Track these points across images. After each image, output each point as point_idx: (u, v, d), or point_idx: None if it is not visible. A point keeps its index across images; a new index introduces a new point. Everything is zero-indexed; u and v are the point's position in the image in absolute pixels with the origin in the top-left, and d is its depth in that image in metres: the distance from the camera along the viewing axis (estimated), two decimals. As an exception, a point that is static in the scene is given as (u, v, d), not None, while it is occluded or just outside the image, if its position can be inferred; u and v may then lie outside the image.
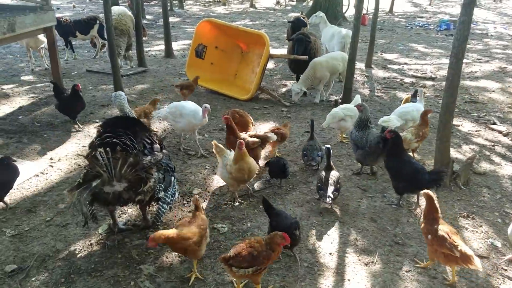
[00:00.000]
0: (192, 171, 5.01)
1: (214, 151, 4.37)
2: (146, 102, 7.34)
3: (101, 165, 3.16)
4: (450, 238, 3.02)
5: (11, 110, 6.79)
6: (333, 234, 3.86)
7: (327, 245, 3.69)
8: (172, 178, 3.77)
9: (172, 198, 3.68)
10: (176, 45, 11.82)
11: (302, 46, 7.79)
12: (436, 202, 3.31)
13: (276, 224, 3.34)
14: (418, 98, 6.14)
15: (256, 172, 4.36)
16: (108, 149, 3.18)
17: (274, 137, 4.89)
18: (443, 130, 4.64)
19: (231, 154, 4.27)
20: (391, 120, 5.42)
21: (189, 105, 5.47)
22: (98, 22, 10.11)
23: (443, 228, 3.10)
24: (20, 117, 6.54)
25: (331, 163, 4.33)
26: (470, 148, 5.89)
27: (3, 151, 5.42)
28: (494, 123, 6.82)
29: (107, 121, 3.69)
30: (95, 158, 3.16)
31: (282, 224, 3.33)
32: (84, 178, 3.25)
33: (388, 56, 11.70)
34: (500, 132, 6.50)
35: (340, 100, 7.53)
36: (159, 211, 3.59)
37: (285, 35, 11.45)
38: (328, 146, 4.45)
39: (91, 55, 10.89)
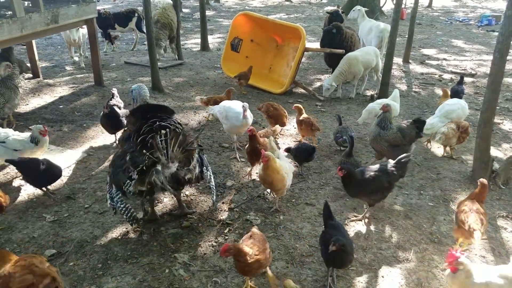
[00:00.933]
0: (226, 164, 5.10)
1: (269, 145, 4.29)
2: (183, 94, 7.58)
3: (160, 150, 3.30)
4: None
5: (52, 100, 7.07)
6: (367, 230, 3.84)
7: (361, 241, 3.68)
8: (205, 157, 3.96)
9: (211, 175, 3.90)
10: (211, 39, 11.95)
11: (327, 38, 7.78)
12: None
13: (329, 238, 2.95)
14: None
15: (284, 185, 3.97)
16: (165, 131, 3.34)
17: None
18: (484, 127, 4.48)
19: (278, 157, 4.10)
20: (435, 126, 5.25)
21: (234, 107, 5.24)
22: (136, 15, 10.34)
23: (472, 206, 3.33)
24: (61, 106, 6.81)
25: (352, 151, 4.51)
26: (510, 147, 5.66)
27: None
28: (539, 123, 6.50)
29: (138, 108, 3.87)
30: (155, 143, 3.27)
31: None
32: (146, 165, 3.28)
33: (427, 51, 11.34)
34: (544, 132, 6.20)
35: (376, 95, 7.40)
36: (207, 177, 3.83)
37: (321, 28, 11.32)
38: (353, 134, 4.68)
39: (129, 47, 11.18)
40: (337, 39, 7.82)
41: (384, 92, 7.23)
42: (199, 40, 11.14)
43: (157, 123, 3.42)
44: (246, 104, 5.10)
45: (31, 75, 7.88)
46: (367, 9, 9.93)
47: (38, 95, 7.26)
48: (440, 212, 4.12)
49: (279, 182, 3.89)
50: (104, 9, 11.04)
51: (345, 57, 7.32)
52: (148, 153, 3.26)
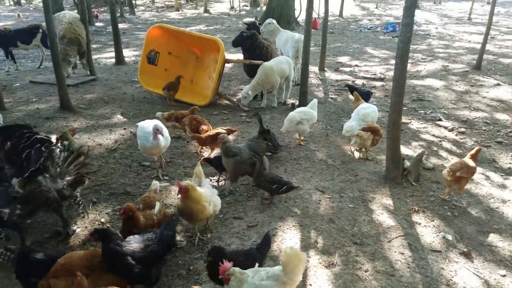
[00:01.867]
0: (147, 184, 4.82)
1: (195, 170, 3.93)
2: (97, 112, 7.09)
3: (53, 160, 3.46)
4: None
5: None
6: (294, 238, 3.86)
7: (289, 250, 3.68)
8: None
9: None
10: (127, 52, 11.47)
11: (239, 40, 8.25)
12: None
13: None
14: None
15: (206, 215, 3.73)
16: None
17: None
18: (392, 128, 4.80)
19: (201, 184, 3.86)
20: (354, 129, 5.57)
21: (145, 126, 4.87)
22: (41, 30, 9.59)
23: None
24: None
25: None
26: (419, 145, 6.16)
27: None
28: (440, 120, 7.18)
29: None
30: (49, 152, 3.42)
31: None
32: None
33: (340, 59, 12.03)
34: (445, 127, 6.85)
35: (296, 104, 7.62)
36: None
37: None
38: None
39: (35, 65, 10.29)
40: (248, 43, 8.01)
41: (303, 100, 7.47)
42: (113, 54, 10.61)
43: (37, 136, 3.42)
44: (158, 126, 4.66)
45: None
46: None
47: None
48: (360, 212, 4.30)
49: (200, 213, 3.57)
50: (4, 26, 10.09)
51: (261, 67, 7.45)
52: (45, 151, 3.28)
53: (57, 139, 3.74)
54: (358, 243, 3.78)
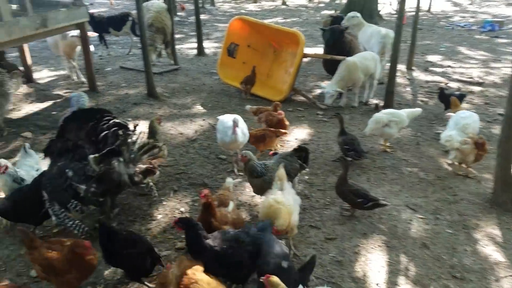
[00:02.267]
0: (223, 177, 4.71)
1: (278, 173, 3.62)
2: (179, 101, 7.21)
3: (128, 145, 3.63)
4: None
5: (45, 106, 6.75)
6: (380, 260, 3.47)
7: (374, 274, 3.32)
8: None
9: None
10: (207, 43, 11.59)
11: (334, 36, 7.44)
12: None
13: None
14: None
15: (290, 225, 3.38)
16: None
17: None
18: (505, 144, 4.13)
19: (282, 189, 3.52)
20: (453, 139, 4.86)
21: (225, 120, 4.82)
22: (131, 18, 9.99)
23: None
24: (54, 112, 6.46)
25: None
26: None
27: (36, 146, 5.32)
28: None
29: (76, 113, 3.85)
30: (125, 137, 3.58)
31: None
32: None
33: (430, 58, 11.03)
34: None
35: (381, 104, 7.07)
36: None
37: (319, 33, 11.01)
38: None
39: (125, 51, 10.81)
40: (340, 41, 7.47)
41: (389, 101, 6.91)
42: (195, 45, 10.78)
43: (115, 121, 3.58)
44: (237, 119, 4.62)
45: (24, 80, 7.50)
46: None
47: (31, 100, 6.92)
48: (460, 241, 3.75)
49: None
50: (97, 13, 10.71)
51: (343, 62, 6.95)
52: (122, 136, 3.45)
53: (134, 126, 3.80)
54: (458, 277, 3.28)
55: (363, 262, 3.45)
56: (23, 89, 7.28)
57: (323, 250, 3.56)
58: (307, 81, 8.73)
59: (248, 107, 6.05)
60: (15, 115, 6.29)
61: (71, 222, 3.37)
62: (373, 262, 3.46)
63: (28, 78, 7.62)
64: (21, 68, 7.52)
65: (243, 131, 4.73)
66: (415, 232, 3.86)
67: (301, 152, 4.20)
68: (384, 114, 5.38)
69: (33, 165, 4.04)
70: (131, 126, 3.76)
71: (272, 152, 4.68)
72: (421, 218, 4.08)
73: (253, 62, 8.14)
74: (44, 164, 3.87)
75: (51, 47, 7.82)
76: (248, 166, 3.84)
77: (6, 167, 3.67)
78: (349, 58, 7.04)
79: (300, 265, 3.04)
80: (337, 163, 5.09)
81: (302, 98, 7.57)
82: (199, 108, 6.98)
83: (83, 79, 7.71)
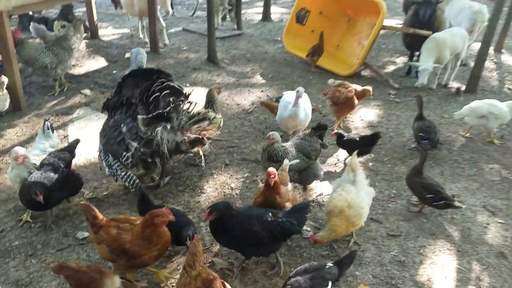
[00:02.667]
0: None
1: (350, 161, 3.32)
2: (238, 69, 6.97)
3: (179, 112, 3.53)
4: None
5: (106, 64, 6.82)
6: (447, 266, 3.07)
7: (439, 280, 2.95)
8: None
9: None
10: (275, 8, 11.07)
11: (430, 10, 6.52)
12: None
13: None
14: None
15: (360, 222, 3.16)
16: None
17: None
18: None
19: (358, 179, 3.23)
20: None
21: (287, 95, 4.51)
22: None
23: None
24: (115, 71, 6.52)
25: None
26: None
27: (93, 105, 5.41)
28: None
29: (134, 72, 3.80)
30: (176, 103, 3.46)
31: None
32: None
33: (524, 39, 9.66)
34: None
35: (463, 89, 6.30)
36: None
37: (396, 4, 10.05)
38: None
39: (189, 12, 10.68)
40: (432, 16, 6.59)
41: (472, 85, 6.13)
42: (260, 10, 10.33)
43: (170, 83, 3.49)
44: (301, 89, 4.23)
45: (88, 36, 7.64)
46: None
47: (94, 57, 7.04)
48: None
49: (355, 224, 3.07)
50: None
51: (431, 38, 6.15)
52: (173, 103, 3.37)
53: (187, 95, 3.62)
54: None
55: (428, 265, 3.08)
56: (87, 45, 7.40)
57: (383, 247, 3.22)
58: (379, 56, 8.02)
59: (331, 80, 5.52)
60: (76, 71, 6.40)
61: (123, 173, 3.41)
62: (439, 266, 3.07)
63: (92, 34, 7.73)
64: (87, 23, 7.63)
65: (306, 110, 4.35)
66: (492, 238, 3.37)
67: (321, 131, 3.79)
68: (487, 104, 4.73)
69: (46, 148, 3.69)
70: (185, 92, 3.61)
71: (334, 131, 4.32)
72: (500, 223, 3.55)
73: (323, 31, 7.60)
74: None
75: (124, 5, 7.82)
76: (270, 148, 3.49)
77: (25, 158, 3.31)
78: (437, 34, 6.24)
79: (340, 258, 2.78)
80: (408, 152, 4.60)
81: (372, 74, 6.97)
82: (258, 78, 6.69)
83: (147, 39, 7.68)
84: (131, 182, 3.40)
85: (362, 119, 5.44)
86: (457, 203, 3.40)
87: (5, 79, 4.68)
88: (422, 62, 6.10)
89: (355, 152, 3.36)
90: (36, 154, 3.60)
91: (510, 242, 3.34)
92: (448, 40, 6.13)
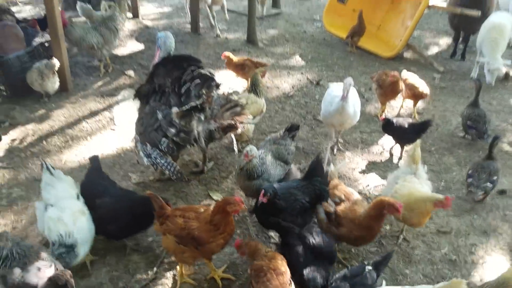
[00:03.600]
0: (320, 141, 4.43)
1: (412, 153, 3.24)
2: (277, 50, 6.83)
3: (210, 102, 3.57)
4: None
5: (149, 45, 6.69)
6: (502, 266, 2.99)
7: (493, 281, 2.87)
8: None
9: None
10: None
11: None
12: None
13: None
14: None
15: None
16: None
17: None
18: None
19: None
20: None
21: (334, 88, 4.11)
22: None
23: None
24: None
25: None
26: None
27: (137, 86, 5.44)
28: None
29: (166, 59, 3.72)
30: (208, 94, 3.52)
31: None
32: None
33: None
34: None
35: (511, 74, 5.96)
36: None
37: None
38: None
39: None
40: None
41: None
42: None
43: (203, 72, 3.48)
44: (349, 80, 3.69)
45: (131, 16, 7.64)
46: None
47: (136, 37, 7.01)
48: None
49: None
50: None
51: (490, 23, 5.63)
52: (205, 94, 3.40)
53: (218, 85, 3.63)
54: None
55: (480, 265, 3.01)
56: (130, 24, 7.41)
57: (433, 244, 3.17)
58: (422, 37, 7.68)
59: (404, 73, 5.00)
60: (120, 52, 6.41)
61: (163, 161, 3.37)
62: (493, 267, 2.99)
63: (134, 14, 7.70)
64: (129, 2, 7.61)
65: (354, 106, 3.89)
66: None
67: (294, 131, 3.56)
68: None
69: (70, 194, 2.87)
70: (216, 79, 3.59)
71: (382, 117, 4.20)
72: None
73: (365, 10, 7.28)
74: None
75: None
76: (249, 166, 3.10)
77: None
78: (494, 18, 5.76)
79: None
80: (457, 141, 4.43)
81: (415, 56, 6.69)
82: (297, 60, 6.55)
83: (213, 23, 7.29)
84: (172, 169, 3.39)
85: (406, 105, 5.26)
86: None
87: (56, 62, 4.77)
88: (491, 58, 5.44)
89: (417, 142, 3.24)
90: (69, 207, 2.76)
91: None
92: (509, 24, 5.65)
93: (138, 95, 3.74)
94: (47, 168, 2.84)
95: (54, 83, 4.87)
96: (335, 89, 4.02)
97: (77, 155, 4.10)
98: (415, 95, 4.73)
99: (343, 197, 2.90)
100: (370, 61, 6.53)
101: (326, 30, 7.38)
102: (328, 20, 7.31)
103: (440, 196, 2.80)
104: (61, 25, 4.91)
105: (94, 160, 3.24)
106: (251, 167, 3.10)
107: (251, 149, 3.09)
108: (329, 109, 3.90)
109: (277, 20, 8.11)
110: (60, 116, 4.80)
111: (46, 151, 4.12)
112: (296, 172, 3.47)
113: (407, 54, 6.83)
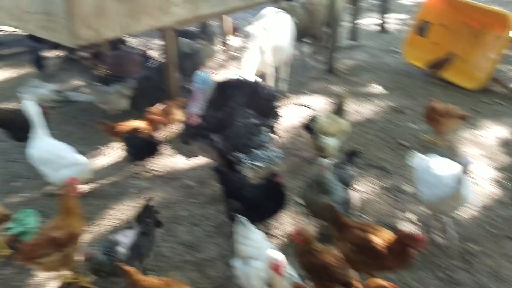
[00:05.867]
0: (403, 165, 4.55)
1: None
2: (357, 79, 7.12)
3: None
4: None
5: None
6: None
7: None
8: None
9: None
10: (390, 19, 10.93)
11: None
12: None
13: None
14: None
15: None
16: None
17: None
18: None
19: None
20: None
21: (437, 165, 3.34)
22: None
23: None
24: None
25: None
26: None
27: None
28: None
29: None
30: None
31: None
32: None
33: None
34: None
35: None
36: None
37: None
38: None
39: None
40: None
41: None
42: (375, 20, 10.28)
43: None
44: (468, 161, 2.98)
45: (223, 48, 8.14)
46: None
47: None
48: None
49: None
50: None
51: None
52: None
53: (273, 129, 4.17)
54: None
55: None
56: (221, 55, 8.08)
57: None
58: (506, 70, 7.51)
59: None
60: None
61: (264, 155, 3.70)
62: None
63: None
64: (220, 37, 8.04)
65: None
66: None
67: (354, 157, 3.72)
68: None
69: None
70: (273, 124, 4.08)
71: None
72: None
73: (445, 43, 7.41)
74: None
75: None
76: (324, 179, 3.16)
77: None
78: None
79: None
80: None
81: (501, 89, 6.61)
82: (378, 88, 6.80)
83: None
84: (275, 153, 3.82)
85: (497, 137, 5.22)
86: None
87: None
88: None
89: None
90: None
91: None
92: None
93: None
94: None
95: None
96: (438, 166, 3.33)
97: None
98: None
99: None
100: (451, 92, 6.56)
101: (406, 61, 7.56)
102: (409, 52, 7.50)
103: None
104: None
105: None
106: (326, 181, 3.15)
107: (324, 160, 3.25)
108: (438, 193, 3.09)
109: (355, 52, 8.45)
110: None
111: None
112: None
113: (494, 88, 6.74)
